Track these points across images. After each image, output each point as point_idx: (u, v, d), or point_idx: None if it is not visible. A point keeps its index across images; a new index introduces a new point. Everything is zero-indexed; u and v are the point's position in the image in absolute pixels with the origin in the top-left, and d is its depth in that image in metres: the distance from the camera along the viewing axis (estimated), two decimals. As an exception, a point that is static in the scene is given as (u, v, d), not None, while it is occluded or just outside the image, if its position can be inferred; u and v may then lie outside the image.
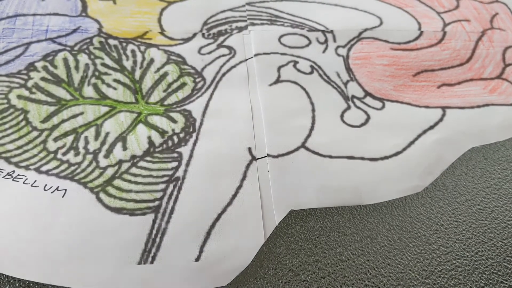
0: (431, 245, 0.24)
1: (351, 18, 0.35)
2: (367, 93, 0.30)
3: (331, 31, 0.34)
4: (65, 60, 0.30)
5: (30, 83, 0.29)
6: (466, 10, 0.38)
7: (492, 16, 0.37)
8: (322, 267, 0.23)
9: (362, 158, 0.27)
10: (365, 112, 0.29)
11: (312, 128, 0.28)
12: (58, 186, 0.24)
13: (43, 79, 0.29)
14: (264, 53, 0.32)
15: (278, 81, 0.30)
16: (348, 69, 0.32)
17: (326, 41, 0.33)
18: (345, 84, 0.31)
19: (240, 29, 0.33)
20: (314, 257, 0.23)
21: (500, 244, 0.24)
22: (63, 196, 0.24)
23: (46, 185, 0.24)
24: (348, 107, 0.29)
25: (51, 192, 0.24)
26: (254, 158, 0.26)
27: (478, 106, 0.30)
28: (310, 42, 0.33)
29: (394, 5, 0.37)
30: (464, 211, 0.26)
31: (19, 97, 0.28)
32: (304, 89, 0.30)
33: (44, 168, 0.25)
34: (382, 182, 0.26)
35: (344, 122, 0.28)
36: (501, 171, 0.28)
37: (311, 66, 0.32)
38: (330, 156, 0.27)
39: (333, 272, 0.23)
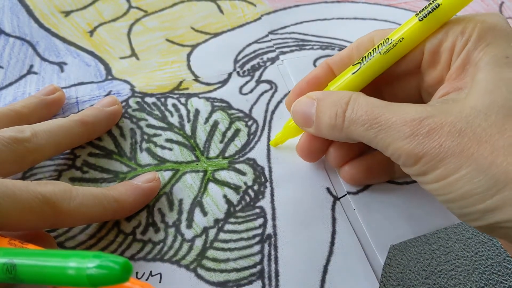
0: (431, 245, 0.24)
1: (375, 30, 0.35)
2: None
3: (361, 47, 0.34)
4: (107, 128, 0.28)
5: (78, 162, 0.26)
6: (475, 4, 0.38)
7: (499, 6, 0.39)
8: None
9: (437, 176, 0.27)
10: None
11: (378, 154, 0.28)
12: (151, 271, 0.23)
13: (91, 154, 0.27)
14: (305, 82, 0.31)
15: (328, 109, 0.30)
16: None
17: (359, 58, 0.33)
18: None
19: (273, 60, 0.33)
20: None
21: (500, 244, 0.24)
22: (160, 282, 0.22)
23: (137, 272, 0.23)
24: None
25: (146, 280, 0.22)
26: (336, 198, 0.26)
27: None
28: (345, 63, 0.33)
29: (409, 10, 0.37)
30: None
31: (72, 179, 0.26)
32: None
33: (127, 254, 0.23)
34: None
35: (406, 141, 0.28)
36: None
37: (354, 88, 0.31)
38: (406, 182, 0.27)
39: None
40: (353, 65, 0.24)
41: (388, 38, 0.22)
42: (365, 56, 0.23)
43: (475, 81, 0.19)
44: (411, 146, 0.19)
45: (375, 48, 0.23)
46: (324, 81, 0.25)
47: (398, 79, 0.24)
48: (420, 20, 0.21)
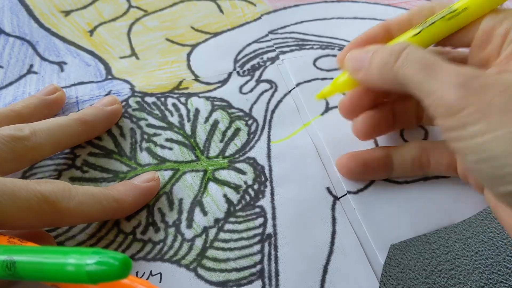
0: (431, 245, 0.24)
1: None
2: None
3: (361, 47, 0.34)
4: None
5: (78, 162, 0.26)
6: (475, 2, 0.38)
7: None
8: None
9: (437, 177, 0.27)
10: (422, 127, 0.29)
11: (379, 153, 0.28)
12: (151, 271, 0.23)
13: (91, 154, 0.27)
14: (305, 81, 0.31)
15: (328, 108, 0.30)
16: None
17: (359, 58, 0.33)
18: (393, 99, 0.31)
19: (273, 60, 0.33)
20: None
21: (500, 243, 0.24)
22: (160, 282, 0.22)
23: (137, 272, 0.23)
24: (405, 124, 0.29)
25: (146, 279, 0.22)
26: (336, 198, 0.26)
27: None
28: (345, 62, 0.33)
29: (408, 9, 0.37)
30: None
31: (72, 179, 0.26)
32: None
33: (128, 253, 0.23)
34: (465, 196, 0.26)
35: (405, 140, 0.28)
36: None
37: (355, 87, 0.31)
38: (407, 182, 0.26)
39: None
40: (413, 28, 0.24)
41: (451, 7, 0.23)
42: (428, 20, 0.23)
43: None
44: (460, 94, 0.18)
45: (438, 14, 0.23)
46: (380, 42, 0.25)
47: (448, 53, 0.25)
48: None
